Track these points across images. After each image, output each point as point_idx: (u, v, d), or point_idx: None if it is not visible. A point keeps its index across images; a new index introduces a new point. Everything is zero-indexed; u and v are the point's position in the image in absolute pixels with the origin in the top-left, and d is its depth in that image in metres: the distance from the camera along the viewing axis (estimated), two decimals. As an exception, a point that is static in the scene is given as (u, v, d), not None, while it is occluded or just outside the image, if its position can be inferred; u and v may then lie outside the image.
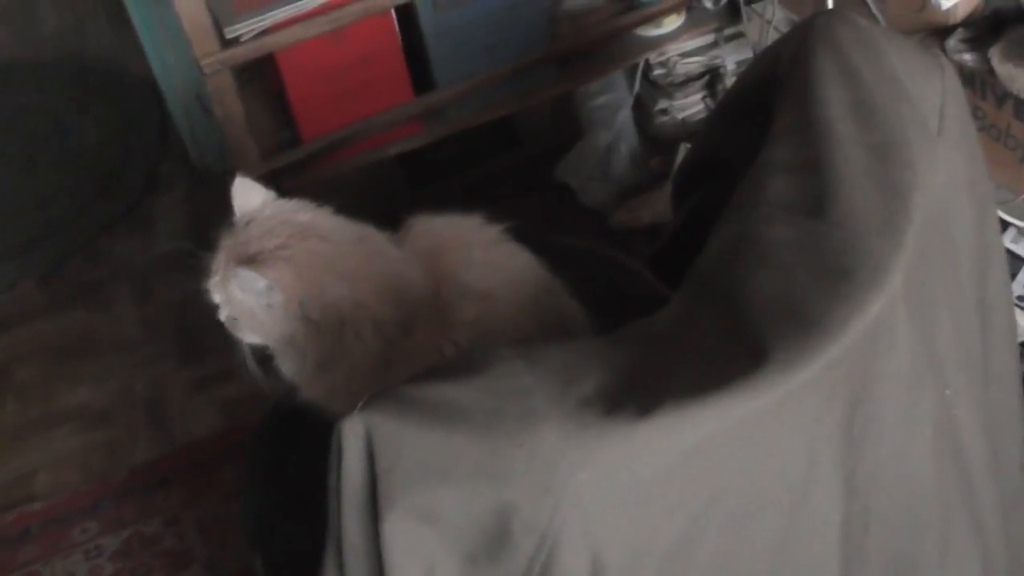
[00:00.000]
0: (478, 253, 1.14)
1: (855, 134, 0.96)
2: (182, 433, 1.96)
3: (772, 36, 1.95)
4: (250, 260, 1.08)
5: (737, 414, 0.84)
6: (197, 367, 2.06)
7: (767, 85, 1.09)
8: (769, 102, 1.07)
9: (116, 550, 1.78)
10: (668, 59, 2.14)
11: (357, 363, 1.11)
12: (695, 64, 2.14)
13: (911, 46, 1.10)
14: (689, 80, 2.15)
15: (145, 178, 2.51)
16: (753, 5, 2.03)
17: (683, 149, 2.10)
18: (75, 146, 2.62)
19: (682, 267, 1.01)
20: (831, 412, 0.90)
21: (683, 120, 2.19)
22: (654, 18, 2.05)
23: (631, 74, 2.17)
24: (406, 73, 1.91)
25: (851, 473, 0.92)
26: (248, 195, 1.16)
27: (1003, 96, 1.55)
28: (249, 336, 1.14)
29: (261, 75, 1.89)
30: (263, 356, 1.17)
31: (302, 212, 1.14)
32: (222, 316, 1.14)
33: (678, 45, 2.11)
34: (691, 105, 2.18)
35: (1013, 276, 1.62)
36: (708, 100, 2.18)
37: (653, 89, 2.18)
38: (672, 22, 2.08)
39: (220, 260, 1.12)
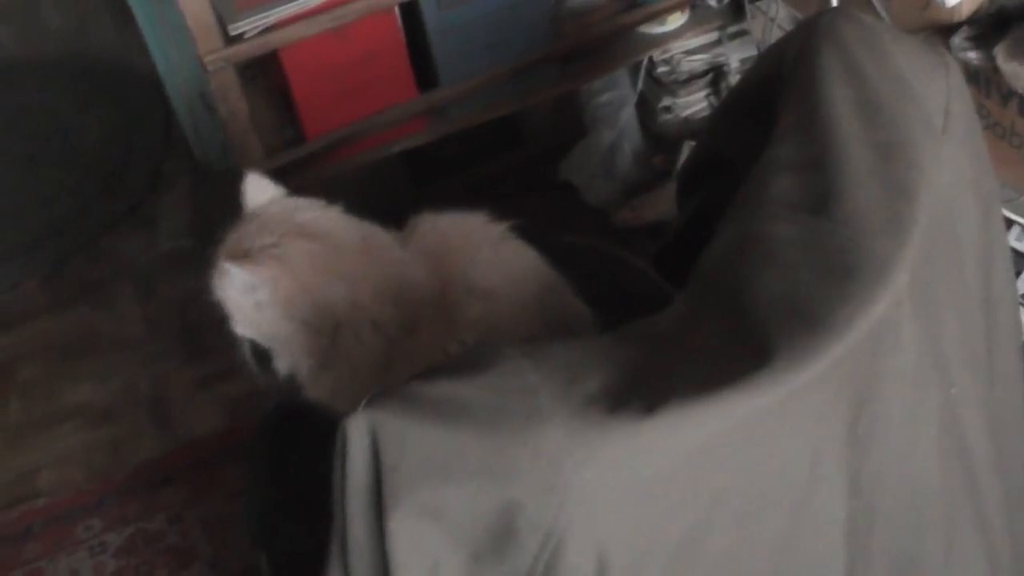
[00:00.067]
0: (483, 252, 1.14)
1: (860, 132, 0.96)
2: (185, 431, 1.96)
3: (776, 34, 1.95)
4: (243, 256, 1.08)
5: (741, 413, 0.84)
6: (200, 365, 2.06)
7: (771, 83, 1.09)
8: (773, 101, 1.06)
9: (120, 547, 1.79)
10: (672, 57, 2.14)
11: (358, 363, 1.11)
12: (699, 62, 2.14)
13: (916, 44, 1.10)
14: (693, 78, 2.15)
15: (148, 176, 2.51)
16: (757, 3, 2.03)
17: (687, 147, 2.10)
18: (78, 144, 2.62)
19: (686, 265, 1.01)
20: (836, 411, 0.90)
21: (687, 118, 2.19)
22: (658, 16, 2.05)
23: (635, 72, 2.17)
24: (410, 71, 1.91)
25: (856, 472, 0.92)
26: (259, 191, 1.16)
27: (1008, 94, 1.55)
28: (245, 333, 1.14)
29: (265, 73, 1.89)
30: (264, 354, 1.17)
31: (304, 211, 1.14)
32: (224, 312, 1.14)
33: (682, 43, 2.11)
34: (695, 103, 2.18)
35: (1017, 274, 1.61)
36: (712, 98, 2.18)
37: (657, 87, 2.17)
38: (676, 20, 2.08)
39: (219, 255, 1.12)
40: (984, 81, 1.57)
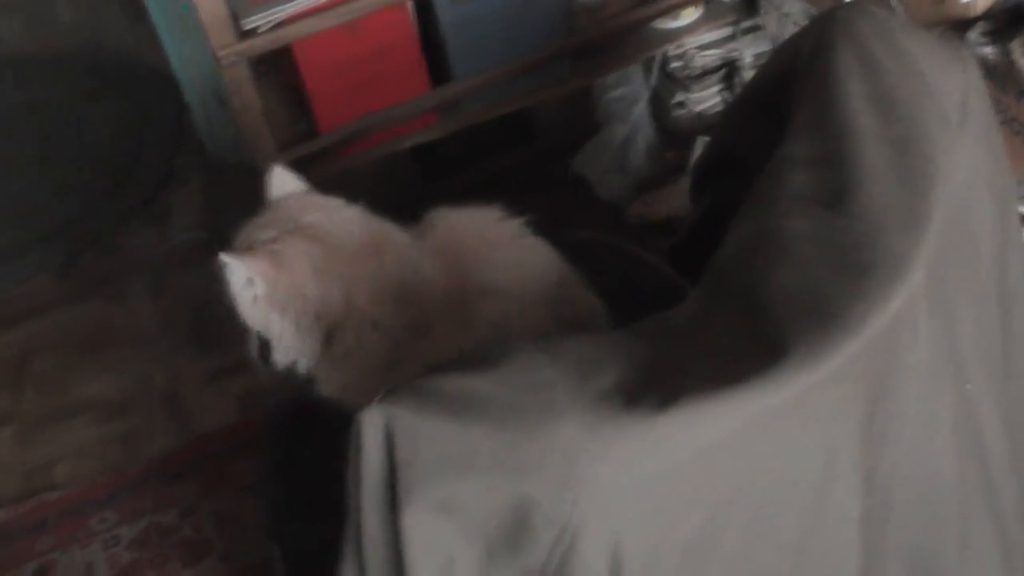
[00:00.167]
0: (500, 250, 1.14)
1: (876, 128, 0.96)
2: (198, 425, 1.96)
3: (790, 29, 1.95)
4: (245, 250, 1.09)
5: (756, 409, 0.84)
6: (213, 359, 2.06)
7: (786, 79, 1.08)
8: (788, 96, 1.06)
9: (133, 539, 1.79)
10: (685, 52, 2.13)
11: (361, 364, 1.11)
12: (712, 57, 2.14)
13: (933, 39, 1.09)
14: (706, 73, 2.15)
15: (160, 171, 2.52)
16: (771, -2, 2.02)
17: (700, 142, 2.09)
18: (90, 139, 2.63)
19: (700, 261, 1.00)
20: (851, 408, 0.89)
21: (700, 113, 2.18)
22: (671, 11, 2.04)
23: (648, 67, 2.16)
24: (423, 66, 1.91)
25: (871, 470, 0.92)
26: (282, 185, 1.17)
27: (1024, 90, 1.54)
28: (247, 325, 1.14)
29: (277, 68, 1.89)
30: (269, 347, 1.18)
31: (313, 210, 1.14)
32: None
33: (695, 38, 2.10)
34: (708, 98, 2.17)
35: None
36: (725, 93, 2.17)
37: (670, 82, 2.17)
38: (689, 15, 2.08)
39: (231, 246, 1.13)
40: (1000, 76, 1.56)
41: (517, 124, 2.18)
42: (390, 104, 1.90)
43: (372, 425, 0.81)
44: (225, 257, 1.07)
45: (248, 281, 1.08)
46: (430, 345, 1.10)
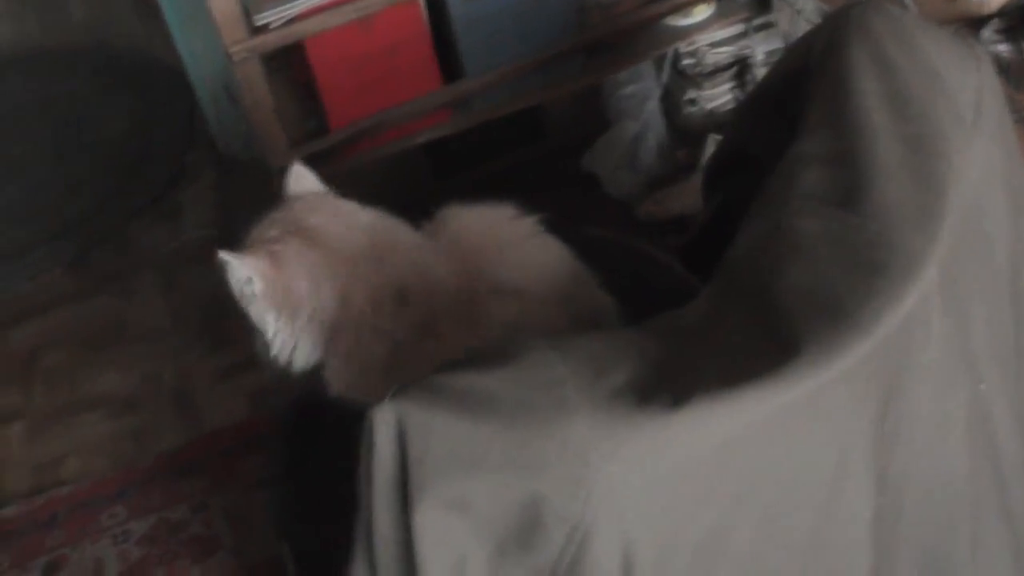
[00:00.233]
0: (512, 248, 1.14)
1: (890, 126, 0.95)
2: (208, 421, 1.96)
3: (802, 26, 1.94)
4: (249, 248, 1.10)
5: (768, 408, 0.84)
6: (223, 356, 2.06)
7: (799, 77, 1.08)
8: (800, 94, 1.06)
9: (143, 535, 1.79)
10: (697, 49, 2.12)
11: (364, 364, 1.11)
12: (724, 54, 2.13)
13: (947, 37, 1.08)
14: (718, 70, 2.14)
15: (171, 167, 2.52)
16: (783, -5, 2.02)
17: (711, 140, 2.09)
18: (102, 135, 2.63)
19: (711, 259, 1.00)
20: (863, 407, 0.89)
21: (711, 111, 2.17)
22: (684, 7, 2.04)
23: (659, 64, 2.16)
24: (435, 62, 1.91)
25: (883, 469, 0.92)
26: (300, 182, 1.17)
27: (1038, 88, 1.53)
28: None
29: (289, 64, 1.89)
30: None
31: (318, 212, 1.14)
32: None
33: (707, 35, 2.10)
34: (719, 96, 2.17)
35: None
36: (737, 91, 2.17)
37: (681, 79, 2.16)
38: (702, 12, 2.07)
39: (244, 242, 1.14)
40: (1014, 74, 1.55)
41: (528, 121, 2.18)
42: (402, 101, 1.90)
43: (384, 423, 0.81)
44: (224, 255, 1.08)
45: (247, 279, 1.09)
46: (437, 345, 1.10)
